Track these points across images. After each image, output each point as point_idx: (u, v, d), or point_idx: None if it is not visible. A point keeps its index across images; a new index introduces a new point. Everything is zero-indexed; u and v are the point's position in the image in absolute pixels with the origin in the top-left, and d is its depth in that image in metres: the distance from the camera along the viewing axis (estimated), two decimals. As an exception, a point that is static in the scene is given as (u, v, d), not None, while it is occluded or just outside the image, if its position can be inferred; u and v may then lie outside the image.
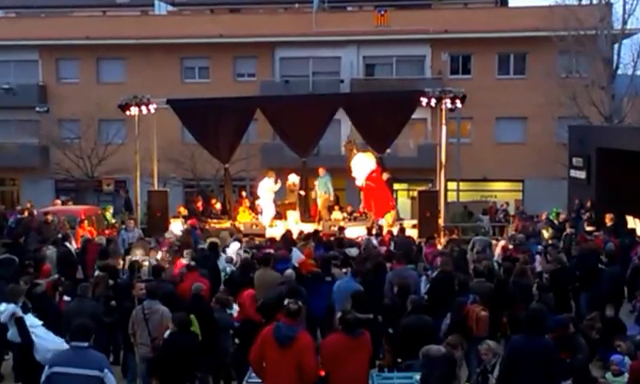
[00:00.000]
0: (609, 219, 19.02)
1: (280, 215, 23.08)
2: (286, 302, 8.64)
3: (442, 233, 21.18)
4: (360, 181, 23.03)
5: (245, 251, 15.91)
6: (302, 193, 23.34)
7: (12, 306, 10.15)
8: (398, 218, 23.33)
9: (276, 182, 23.21)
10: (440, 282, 12.63)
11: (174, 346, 9.13)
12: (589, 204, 21.39)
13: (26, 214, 21.99)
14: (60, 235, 18.01)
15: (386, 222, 21.53)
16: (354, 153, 23.40)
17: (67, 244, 17.08)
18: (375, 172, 22.83)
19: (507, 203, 28.32)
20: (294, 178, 23.51)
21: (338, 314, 10.61)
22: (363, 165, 22.93)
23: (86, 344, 7.55)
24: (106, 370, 7.54)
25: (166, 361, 9.07)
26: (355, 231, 20.08)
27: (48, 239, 17.91)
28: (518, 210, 26.64)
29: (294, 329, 7.98)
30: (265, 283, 12.23)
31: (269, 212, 22.83)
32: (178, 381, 9.21)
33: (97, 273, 13.52)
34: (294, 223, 21.63)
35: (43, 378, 7.54)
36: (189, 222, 22.12)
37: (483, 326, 10.45)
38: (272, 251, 14.90)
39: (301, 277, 12.58)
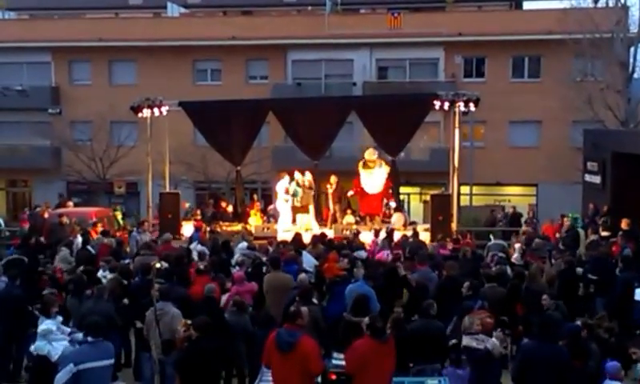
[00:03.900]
0: (625, 224, 18.71)
1: (294, 219, 22.62)
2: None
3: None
4: (377, 189, 22.68)
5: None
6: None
7: (49, 321, 10.06)
8: (412, 223, 23.14)
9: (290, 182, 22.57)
10: (445, 286, 12.64)
11: (198, 352, 8.91)
12: (605, 209, 21.11)
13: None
14: (79, 237, 17.99)
15: (396, 223, 21.32)
16: (376, 164, 22.83)
17: (88, 247, 17.04)
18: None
19: (503, 208, 28.10)
20: (309, 177, 22.66)
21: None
22: (383, 178, 22.67)
23: (101, 338, 8.35)
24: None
25: (190, 367, 8.86)
26: (367, 235, 19.87)
27: (60, 240, 17.87)
28: (529, 215, 26.37)
29: (294, 334, 8.03)
30: (276, 287, 12.13)
31: (285, 216, 22.36)
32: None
33: (107, 274, 13.48)
34: (305, 230, 20.84)
35: (68, 376, 7.95)
36: (194, 224, 22.04)
37: (488, 333, 10.28)
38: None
39: (321, 280, 12.51)
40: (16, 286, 12.27)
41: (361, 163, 22.70)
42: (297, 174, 22.54)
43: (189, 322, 9.46)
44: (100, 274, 13.74)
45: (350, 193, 23.13)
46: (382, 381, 8.37)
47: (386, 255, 15.56)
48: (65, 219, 20.89)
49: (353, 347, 8.44)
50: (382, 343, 8.34)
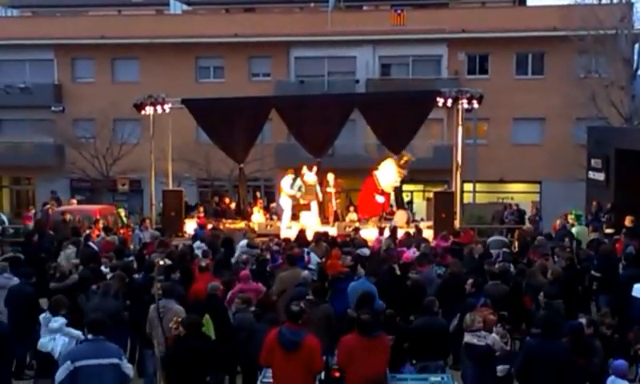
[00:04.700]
0: (629, 221, 18.66)
1: (296, 216, 22.58)
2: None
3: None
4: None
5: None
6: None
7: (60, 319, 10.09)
8: (414, 220, 23.11)
9: (294, 180, 22.49)
10: (448, 284, 12.66)
11: (183, 349, 8.93)
12: (609, 206, 21.04)
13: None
14: (81, 234, 18.00)
15: (398, 221, 21.29)
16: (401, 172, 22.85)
17: (90, 244, 17.03)
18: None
19: (510, 205, 28.03)
20: (312, 177, 22.56)
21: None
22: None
23: (102, 337, 8.26)
24: (123, 359, 8.46)
25: (175, 364, 8.89)
26: (369, 232, 19.83)
27: (66, 238, 17.86)
28: (532, 212, 26.32)
29: (298, 333, 8.00)
30: (294, 283, 12.08)
31: (288, 213, 22.29)
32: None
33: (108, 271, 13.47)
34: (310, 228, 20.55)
35: (66, 373, 7.98)
36: (197, 221, 22.02)
37: (490, 330, 10.28)
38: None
39: (323, 277, 12.50)
40: (29, 284, 12.33)
41: (393, 161, 22.63)
42: (304, 169, 22.47)
43: (180, 319, 9.49)
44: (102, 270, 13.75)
45: (381, 199, 22.59)
46: (374, 377, 8.29)
47: (412, 253, 15.44)
48: (68, 216, 20.92)
49: (341, 341, 8.52)
50: (369, 339, 8.30)
